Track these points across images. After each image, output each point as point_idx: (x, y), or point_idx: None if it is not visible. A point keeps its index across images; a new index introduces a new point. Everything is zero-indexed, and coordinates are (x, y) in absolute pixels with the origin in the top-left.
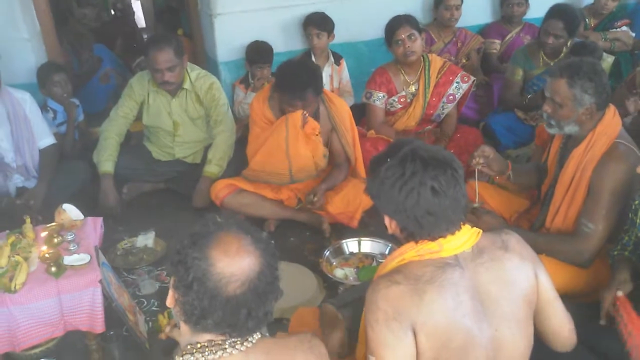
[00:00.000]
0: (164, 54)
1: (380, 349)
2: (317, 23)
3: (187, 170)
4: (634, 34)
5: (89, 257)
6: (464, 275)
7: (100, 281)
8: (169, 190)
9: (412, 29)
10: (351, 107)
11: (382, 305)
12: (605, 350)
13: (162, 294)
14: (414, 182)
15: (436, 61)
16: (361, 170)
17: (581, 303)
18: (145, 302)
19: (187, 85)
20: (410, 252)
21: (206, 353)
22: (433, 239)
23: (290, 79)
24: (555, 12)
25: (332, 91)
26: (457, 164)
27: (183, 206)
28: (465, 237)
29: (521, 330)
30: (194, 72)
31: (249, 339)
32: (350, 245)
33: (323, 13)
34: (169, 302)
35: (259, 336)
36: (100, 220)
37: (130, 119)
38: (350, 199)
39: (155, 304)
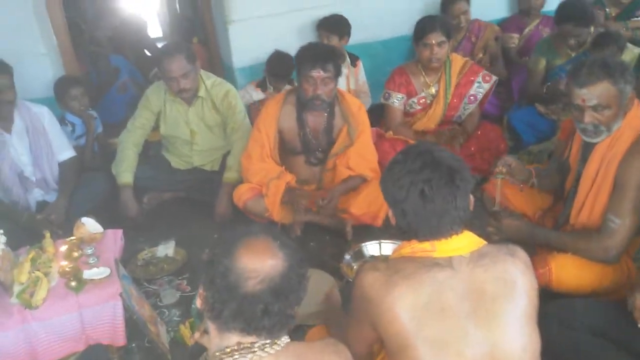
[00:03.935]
0: (176, 62)
1: (350, 321)
2: (326, 26)
3: (206, 178)
4: None
5: (109, 271)
6: (455, 277)
7: (120, 294)
8: (189, 199)
9: (443, 36)
10: (369, 108)
11: (359, 284)
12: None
13: (183, 304)
14: (407, 180)
15: (457, 61)
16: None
17: (610, 301)
18: (167, 312)
19: (202, 93)
20: (406, 248)
21: (236, 356)
22: (420, 240)
23: (310, 49)
24: (563, 16)
25: (349, 92)
26: (461, 176)
27: (203, 214)
28: (464, 243)
29: (523, 328)
30: (210, 80)
31: (278, 342)
32: (371, 248)
33: (337, 16)
34: (198, 302)
35: (288, 339)
36: (120, 232)
37: (147, 129)
38: (372, 199)
39: (177, 313)
